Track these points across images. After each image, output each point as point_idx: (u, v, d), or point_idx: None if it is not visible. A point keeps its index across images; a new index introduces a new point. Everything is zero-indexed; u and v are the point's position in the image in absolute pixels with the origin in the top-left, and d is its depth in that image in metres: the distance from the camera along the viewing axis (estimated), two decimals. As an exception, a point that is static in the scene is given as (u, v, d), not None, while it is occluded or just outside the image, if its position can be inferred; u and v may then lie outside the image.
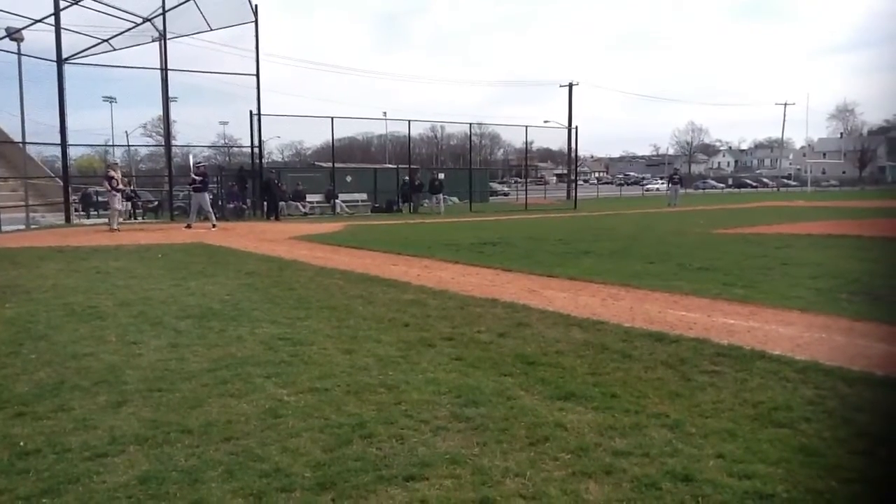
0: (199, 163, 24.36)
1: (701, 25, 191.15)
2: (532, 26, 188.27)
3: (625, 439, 3.83)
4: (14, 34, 21.85)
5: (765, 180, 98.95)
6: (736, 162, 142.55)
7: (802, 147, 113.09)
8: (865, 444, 3.75)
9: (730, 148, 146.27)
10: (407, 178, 33.09)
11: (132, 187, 30.39)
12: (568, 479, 3.37)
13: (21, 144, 24.25)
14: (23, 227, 22.09)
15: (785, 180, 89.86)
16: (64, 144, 24.85)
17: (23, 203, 23.26)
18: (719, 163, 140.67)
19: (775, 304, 7.64)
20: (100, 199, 23.93)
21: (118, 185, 20.91)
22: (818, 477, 3.33)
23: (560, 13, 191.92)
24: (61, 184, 25.51)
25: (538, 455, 3.64)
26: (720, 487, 3.23)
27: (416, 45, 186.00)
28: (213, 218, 21.87)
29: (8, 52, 21.91)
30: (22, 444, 3.86)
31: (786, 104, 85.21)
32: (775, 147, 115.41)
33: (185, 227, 21.23)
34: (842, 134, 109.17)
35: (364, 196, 33.99)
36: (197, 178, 21.55)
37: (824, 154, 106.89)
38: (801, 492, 3.19)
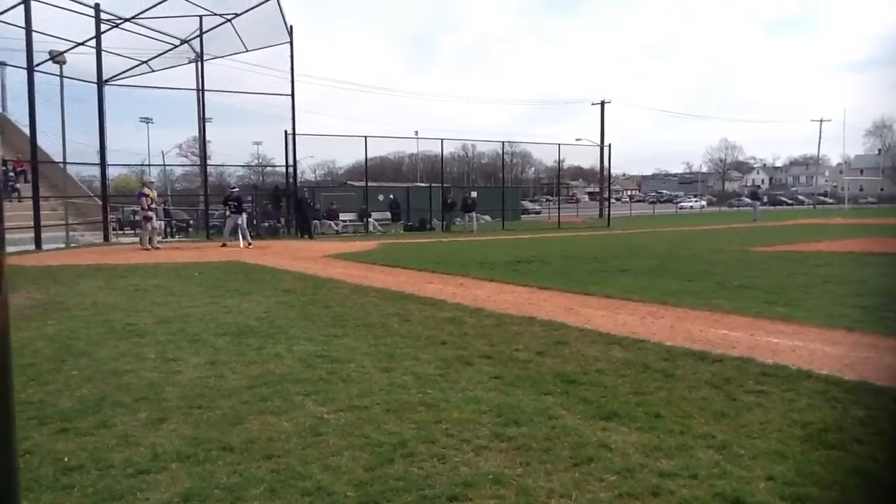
0: (233, 188, 25.80)
1: (735, 40, 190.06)
2: (564, 43, 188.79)
3: (671, 460, 3.74)
4: (57, 57, 22.36)
5: (801, 198, 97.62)
6: (770, 179, 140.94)
7: (839, 164, 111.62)
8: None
9: (764, 165, 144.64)
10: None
11: (165, 205, 30.95)
12: (614, 500, 3.29)
13: (62, 165, 24.81)
14: (62, 245, 22.52)
15: (821, 198, 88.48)
16: (103, 164, 25.43)
17: (63, 222, 23.74)
18: (753, 180, 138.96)
19: (819, 322, 7.47)
20: (135, 217, 24.41)
21: (152, 203, 21.27)
22: (873, 500, 3.22)
23: (593, 29, 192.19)
24: (100, 203, 26.01)
25: (583, 476, 3.57)
26: (773, 511, 3.14)
27: (447, 64, 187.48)
28: (249, 237, 22.40)
29: (51, 74, 22.43)
30: (66, 459, 3.88)
31: (821, 120, 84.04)
32: (811, 164, 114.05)
33: (221, 245, 21.81)
34: (879, 150, 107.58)
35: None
36: (231, 203, 22.53)
37: (861, 171, 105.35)
38: (859, 517, 3.09)
